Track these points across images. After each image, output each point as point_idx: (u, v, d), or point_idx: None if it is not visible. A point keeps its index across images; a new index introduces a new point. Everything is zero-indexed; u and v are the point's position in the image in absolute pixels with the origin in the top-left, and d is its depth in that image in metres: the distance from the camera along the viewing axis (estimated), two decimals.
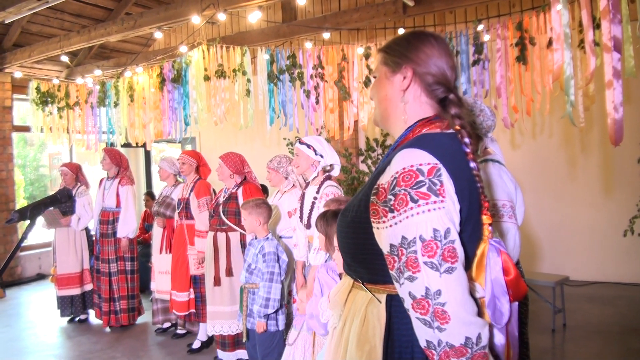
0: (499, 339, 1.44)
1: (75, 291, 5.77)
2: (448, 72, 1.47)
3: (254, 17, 5.61)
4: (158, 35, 6.29)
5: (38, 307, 6.78)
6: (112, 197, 5.47)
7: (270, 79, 5.66)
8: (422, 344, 1.31)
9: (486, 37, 5.16)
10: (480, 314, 1.33)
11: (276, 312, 3.56)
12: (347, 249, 1.54)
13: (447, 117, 1.48)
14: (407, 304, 1.31)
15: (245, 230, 4.02)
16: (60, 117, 7.33)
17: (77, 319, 5.89)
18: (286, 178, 4.23)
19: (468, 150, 1.43)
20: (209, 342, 4.82)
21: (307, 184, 3.71)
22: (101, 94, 6.78)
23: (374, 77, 1.59)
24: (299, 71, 5.71)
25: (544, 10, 4.61)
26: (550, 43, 4.39)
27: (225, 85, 5.54)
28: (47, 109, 7.39)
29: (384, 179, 1.36)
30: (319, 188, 3.52)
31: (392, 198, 1.31)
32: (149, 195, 7.58)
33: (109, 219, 5.48)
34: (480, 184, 1.43)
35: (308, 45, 5.92)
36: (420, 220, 1.27)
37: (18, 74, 7.93)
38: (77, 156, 9.40)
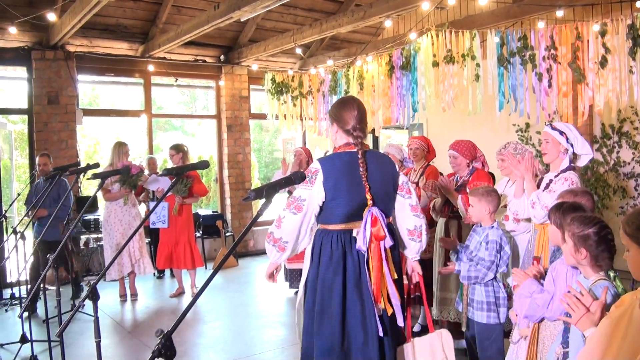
0: None
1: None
2: None
3: None
4: (387, 23, 6.49)
5: None
6: None
7: (500, 62, 5.44)
8: None
9: None
10: None
11: (497, 304, 3.43)
12: None
13: None
14: None
15: None
16: (294, 105, 8.00)
17: None
18: None
19: None
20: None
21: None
22: (333, 82, 7.22)
23: None
24: (531, 53, 5.39)
25: None
26: None
27: (453, 71, 5.47)
28: (282, 98, 8.10)
29: None
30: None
31: None
32: None
33: None
34: None
35: (540, 24, 5.56)
36: None
37: (254, 67, 8.83)
38: (309, 141, 10.17)
